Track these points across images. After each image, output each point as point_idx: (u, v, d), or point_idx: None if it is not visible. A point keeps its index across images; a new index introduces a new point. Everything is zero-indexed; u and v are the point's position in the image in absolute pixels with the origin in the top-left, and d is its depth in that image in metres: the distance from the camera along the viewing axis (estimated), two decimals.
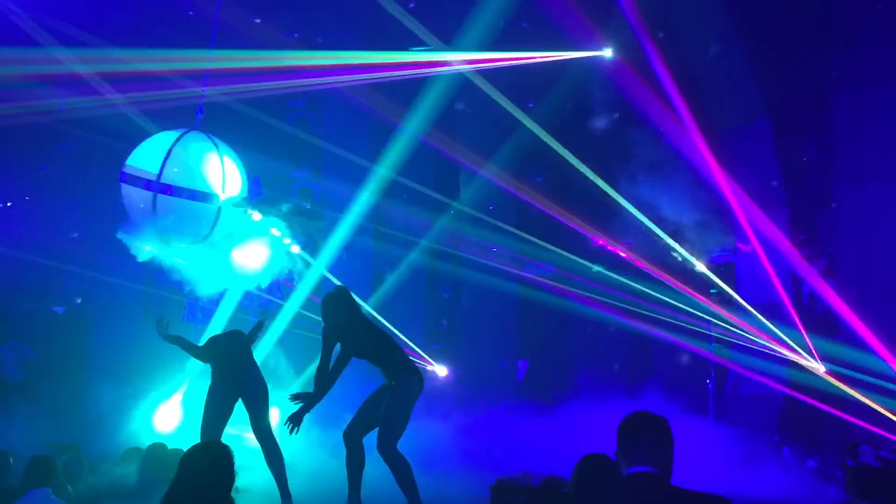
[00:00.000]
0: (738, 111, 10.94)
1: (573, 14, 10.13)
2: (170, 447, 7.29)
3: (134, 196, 7.79)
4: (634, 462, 3.13)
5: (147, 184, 7.60)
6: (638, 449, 3.14)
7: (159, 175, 7.59)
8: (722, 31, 10.84)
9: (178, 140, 7.81)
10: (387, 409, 6.11)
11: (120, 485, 7.10)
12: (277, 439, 7.05)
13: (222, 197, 7.82)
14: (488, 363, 12.38)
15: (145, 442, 7.91)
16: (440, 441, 9.12)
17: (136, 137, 8.62)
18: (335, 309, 6.35)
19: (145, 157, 7.82)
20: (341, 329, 6.28)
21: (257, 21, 11.35)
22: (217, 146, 7.99)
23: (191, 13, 11.12)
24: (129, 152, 8.06)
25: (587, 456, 4.05)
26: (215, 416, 7.02)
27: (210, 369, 7.25)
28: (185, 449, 3.80)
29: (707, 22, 10.86)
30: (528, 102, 11.08)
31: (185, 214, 7.66)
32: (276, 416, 10.73)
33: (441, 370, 11.27)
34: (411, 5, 10.59)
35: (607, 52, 10.45)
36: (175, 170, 7.62)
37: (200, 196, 7.71)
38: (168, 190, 7.64)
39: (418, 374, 6.33)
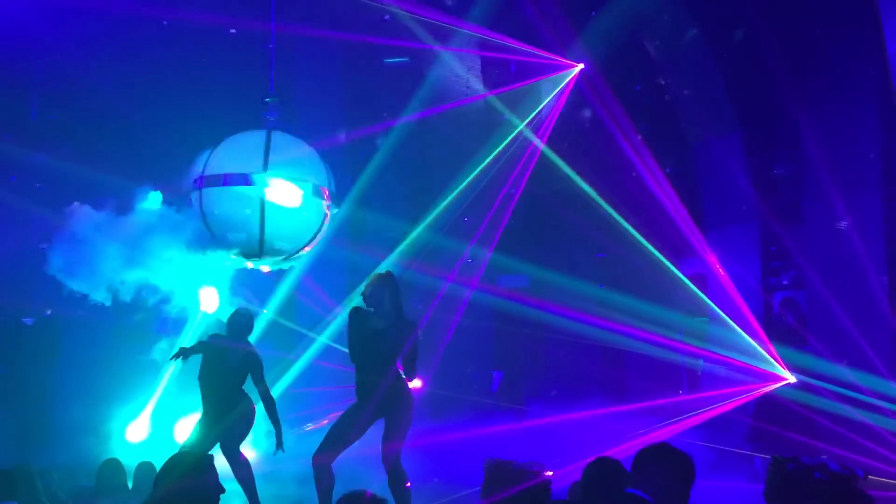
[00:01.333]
0: (710, 125, 11.10)
1: (547, 28, 10.30)
2: (143, 460, 7.25)
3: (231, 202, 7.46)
4: (635, 484, 3.17)
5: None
6: (642, 474, 3.19)
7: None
8: (695, 45, 11.02)
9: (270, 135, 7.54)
10: (402, 422, 6.13)
11: (92, 498, 7.04)
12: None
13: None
14: (463, 374, 12.37)
15: (118, 455, 7.82)
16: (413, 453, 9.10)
17: (107, 146, 8.59)
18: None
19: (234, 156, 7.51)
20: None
21: (232, 31, 11.35)
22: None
23: (165, 23, 11.10)
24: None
25: (597, 459, 4.07)
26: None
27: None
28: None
29: (680, 35, 11.04)
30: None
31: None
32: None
33: (415, 382, 11.22)
34: (386, 17, 10.66)
35: (580, 65, 10.60)
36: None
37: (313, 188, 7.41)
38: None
39: None
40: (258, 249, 7.44)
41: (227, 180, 7.37)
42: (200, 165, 7.49)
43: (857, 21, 9.20)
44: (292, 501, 8.05)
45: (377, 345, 6.17)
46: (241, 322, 7.02)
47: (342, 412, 6.31)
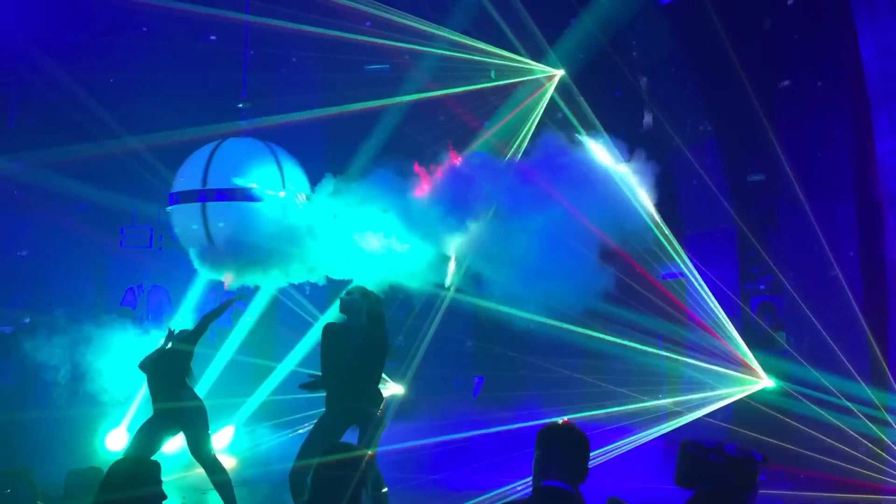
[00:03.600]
0: (687, 132, 11.20)
1: (526, 34, 10.35)
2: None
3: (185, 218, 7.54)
4: (548, 475, 3.22)
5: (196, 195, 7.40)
6: (549, 461, 3.25)
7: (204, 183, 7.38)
8: (671, 53, 11.11)
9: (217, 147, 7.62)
10: (375, 429, 6.25)
11: None
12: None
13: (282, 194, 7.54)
14: (445, 380, 12.41)
15: (97, 463, 7.80)
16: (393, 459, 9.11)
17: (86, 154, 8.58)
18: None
19: (188, 173, 7.60)
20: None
21: (213, 38, 11.34)
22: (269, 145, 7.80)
23: (145, 29, 11.08)
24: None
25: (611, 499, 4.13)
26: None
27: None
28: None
29: (657, 42, 11.13)
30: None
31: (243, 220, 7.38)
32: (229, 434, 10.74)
33: (397, 388, 11.25)
34: (367, 24, 10.68)
35: (560, 72, 10.64)
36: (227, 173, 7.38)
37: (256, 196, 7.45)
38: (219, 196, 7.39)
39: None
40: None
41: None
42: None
43: (831, 27, 9.30)
44: None
45: (347, 357, 6.30)
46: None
47: (314, 424, 6.39)
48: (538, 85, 10.57)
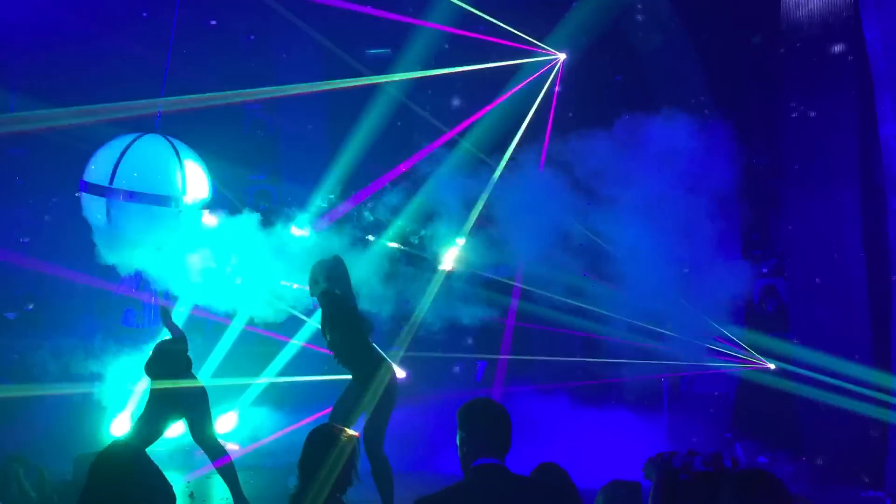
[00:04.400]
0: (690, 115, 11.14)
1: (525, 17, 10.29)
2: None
3: (92, 208, 7.72)
4: (477, 454, 3.32)
5: (103, 191, 7.53)
6: (478, 440, 3.36)
7: (111, 181, 7.52)
8: (674, 34, 11.03)
9: (131, 144, 7.73)
10: (383, 409, 6.34)
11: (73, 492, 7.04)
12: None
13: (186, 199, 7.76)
14: (447, 365, 12.41)
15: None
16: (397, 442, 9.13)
17: (89, 139, 8.53)
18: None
19: (101, 165, 7.73)
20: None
21: (213, 23, 11.30)
22: (175, 148, 7.91)
23: (145, 15, 11.02)
24: (81, 154, 7.96)
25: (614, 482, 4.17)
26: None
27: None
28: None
29: (658, 24, 11.05)
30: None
31: (144, 221, 7.59)
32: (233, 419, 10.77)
33: (399, 373, 11.24)
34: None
35: (561, 55, 10.60)
36: (134, 174, 7.55)
37: (160, 200, 7.64)
38: (124, 196, 7.56)
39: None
40: None
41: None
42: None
43: (834, 10, 9.23)
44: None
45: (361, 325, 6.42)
46: None
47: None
48: (539, 68, 10.54)
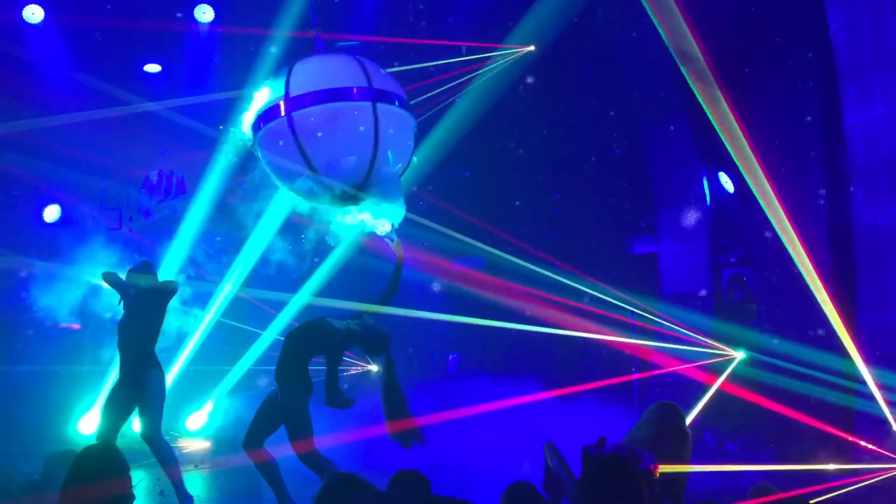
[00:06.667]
0: (658, 105, 11.20)
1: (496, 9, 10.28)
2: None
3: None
4: None
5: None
6: None
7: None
8: (642, 24, 11.04)
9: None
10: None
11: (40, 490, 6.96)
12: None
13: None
14: (420, 358, 12.41)
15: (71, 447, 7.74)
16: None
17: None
18: None
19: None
20: None
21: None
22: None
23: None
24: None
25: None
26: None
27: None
28: None
29: (627, 14, 11.06)
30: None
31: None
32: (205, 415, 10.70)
33: (373, 366, 11.23)
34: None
35: (531, 47, 10.58)
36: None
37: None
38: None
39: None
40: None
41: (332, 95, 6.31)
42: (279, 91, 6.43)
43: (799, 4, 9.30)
44: None
45: None
46: None
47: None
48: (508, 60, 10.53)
